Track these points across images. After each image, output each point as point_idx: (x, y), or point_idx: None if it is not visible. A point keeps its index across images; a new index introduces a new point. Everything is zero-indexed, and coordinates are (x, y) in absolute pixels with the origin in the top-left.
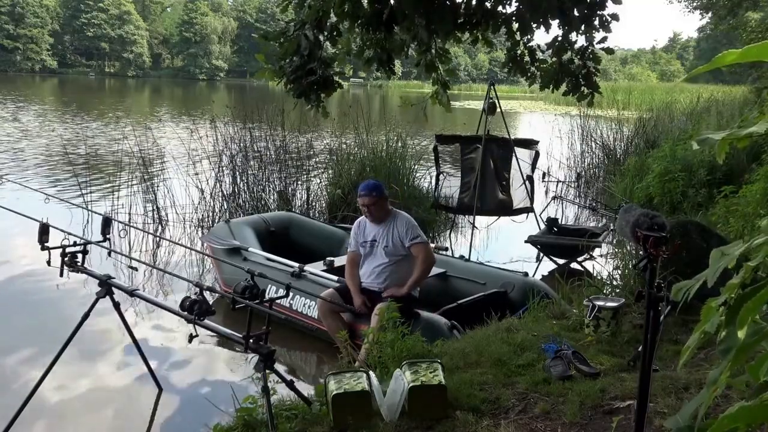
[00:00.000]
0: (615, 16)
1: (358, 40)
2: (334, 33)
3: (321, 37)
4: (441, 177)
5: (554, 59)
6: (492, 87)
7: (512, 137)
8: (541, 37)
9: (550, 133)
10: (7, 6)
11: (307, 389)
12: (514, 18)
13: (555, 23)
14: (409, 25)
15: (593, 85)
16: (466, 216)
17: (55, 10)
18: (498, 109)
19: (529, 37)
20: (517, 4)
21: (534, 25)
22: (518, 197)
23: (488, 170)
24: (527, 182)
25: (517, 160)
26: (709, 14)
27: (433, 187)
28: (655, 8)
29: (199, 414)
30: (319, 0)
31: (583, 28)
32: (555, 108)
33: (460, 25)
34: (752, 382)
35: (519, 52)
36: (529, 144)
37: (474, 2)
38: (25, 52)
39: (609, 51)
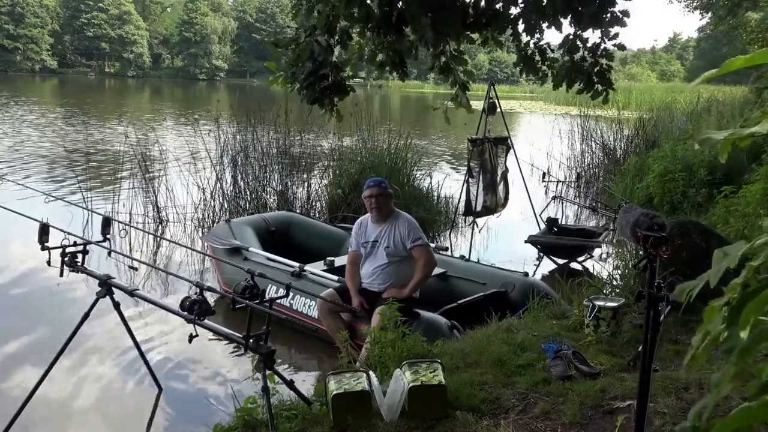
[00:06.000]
0: (625, 13)
1: (369, 43)
2: (345, 37)
3: (332, 42)
4: (471, 181)
5: (566, 58)
6: (492, 87)
7: (491, 135)
8: (552, 36)
9: (550, 133)
10: (7, 6)
11: (307, 389)
12: (521, 19)
13: (566, 22)
14: (417, 26)
15: (607, 82)
16: (469, 216)
17: (55, 10)
18: (498, 109)
19: (539, 36)
20: (522, 5)
21: (545, 25)
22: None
23: (495, 170)
24: (505, 179)
25: (517, 158)
26: (709, 14)
27: (465, 193)
28: (655, 8)
29: (199, 414)
30: (328, 5)
31: (594, 25)
32: (555, 108)
33: (469, 25)
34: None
35: (530, 51)
36: (503, 141)
37: (483, 3)
38: (25, 52)
39: (621, 47)
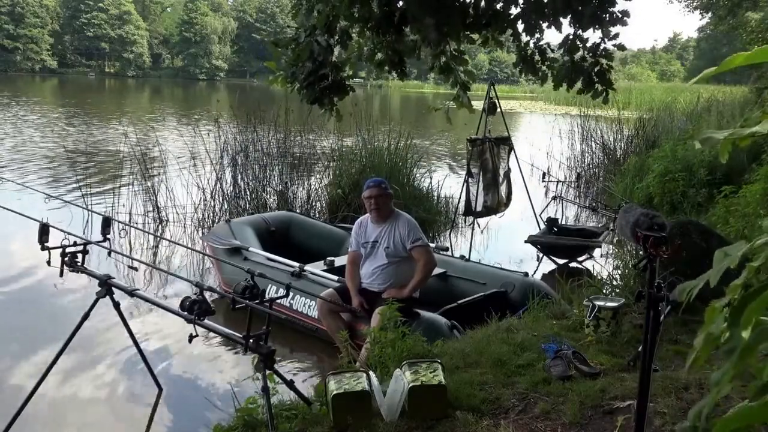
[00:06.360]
0: (625, 13)
1: (368, 43)
2: (344, 37)
3: (332, 42)
4: (470, 181)
5: (566, 58)
6: (492, 87)
7: (491, 135)
8: (552, 36)
9: (550, 133)
10: (7, 6)
11: (307, 389)
12: (520, 19)
13: (566, 22)
14: (419, 25)
15: (607, 82)
16: (469, 216)
17: (55, 10)
18: (498, 109)
19: (538, 36)
20: (523, 5)
21: (545, 25)
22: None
23: (497, 170)
24: (508, 179)
25: (516, 158)
26: (709, 14)
27: (464, 193)
28: (655, 8)
29: (199, 414)
30: (328, 5)
31: (594, 25)
32: (555, 108)
33: (469, 25)
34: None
35: (529, 51)
36: (505, 141)
37: (483, 3)
38: (25, 52)
39: (621, 47)
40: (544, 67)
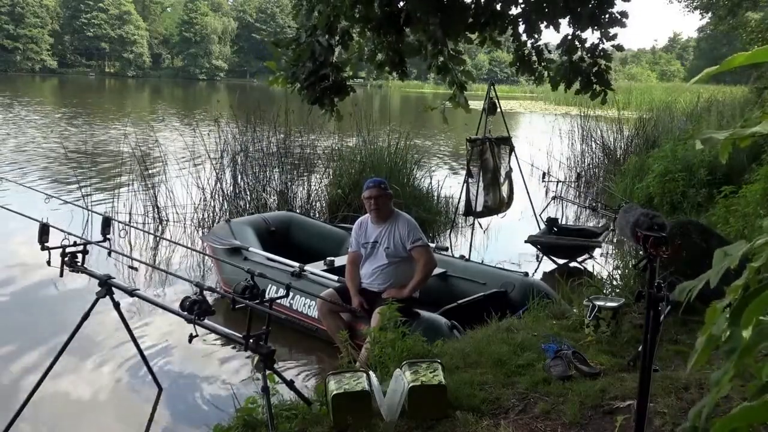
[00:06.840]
0: (624, 14)
1: (369, 43)
2: (345, 37)
3: (333, 42)
4: (470, 181)
5: (565, 58)
6: (492, 87)
7: (491, 135)
8: (551, 36)
9: (550, 133)
10: (7, 6)
11: (307, 389)
12: (521, 19)
13: (564, 22)
14: (423, 26)
15: (605, 82)
16: (469, 216)
17: (55, 10)
18: (498, 109)
19: (536, 36)
20: (523, 5)
21: (543, 25)
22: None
23: (498, 170)
24: (509, 179)
25: (517, 158)
26: (709, 14)
27: (464, 193)
28: (655, 8)
29: (199, 414)
30: (330, 5)
31: (593, 25)
32: (555, 108)
33: (469, 25)
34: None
35: (526, 51)
36: (506, 141)
37: (483, 3)
38: (25, 52)
39: (619, 48)
40: (540, 68)
